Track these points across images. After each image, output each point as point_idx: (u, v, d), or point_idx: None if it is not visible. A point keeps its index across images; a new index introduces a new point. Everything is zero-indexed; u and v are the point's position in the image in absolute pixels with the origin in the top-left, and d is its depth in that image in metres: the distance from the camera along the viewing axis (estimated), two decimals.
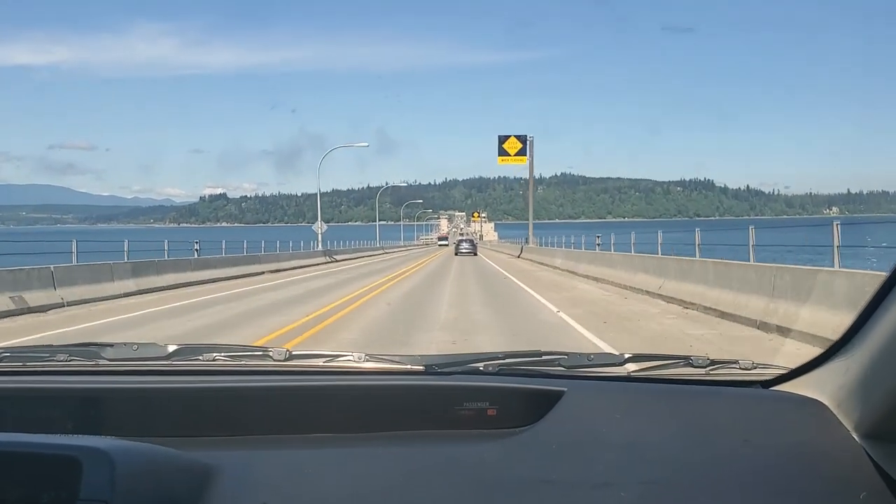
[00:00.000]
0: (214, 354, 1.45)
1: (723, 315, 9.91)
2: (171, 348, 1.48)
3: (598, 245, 21.69)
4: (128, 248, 17.47)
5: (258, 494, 1.01)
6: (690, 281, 12.00)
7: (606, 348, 7.23)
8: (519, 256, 40.70)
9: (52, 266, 13.54)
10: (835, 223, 8.67)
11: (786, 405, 1.24)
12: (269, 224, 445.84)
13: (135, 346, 1.50)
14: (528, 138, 41.61)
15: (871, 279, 6.47)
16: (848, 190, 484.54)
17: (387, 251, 63.28)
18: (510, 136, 41.40)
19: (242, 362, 1.46)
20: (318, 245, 38.75)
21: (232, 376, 1.40)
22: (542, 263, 30.19)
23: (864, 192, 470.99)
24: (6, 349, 1.50)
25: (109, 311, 12.23)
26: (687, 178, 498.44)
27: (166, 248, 19.92)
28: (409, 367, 1.40)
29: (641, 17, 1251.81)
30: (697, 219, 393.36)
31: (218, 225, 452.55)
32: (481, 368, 1.39)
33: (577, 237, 27.59)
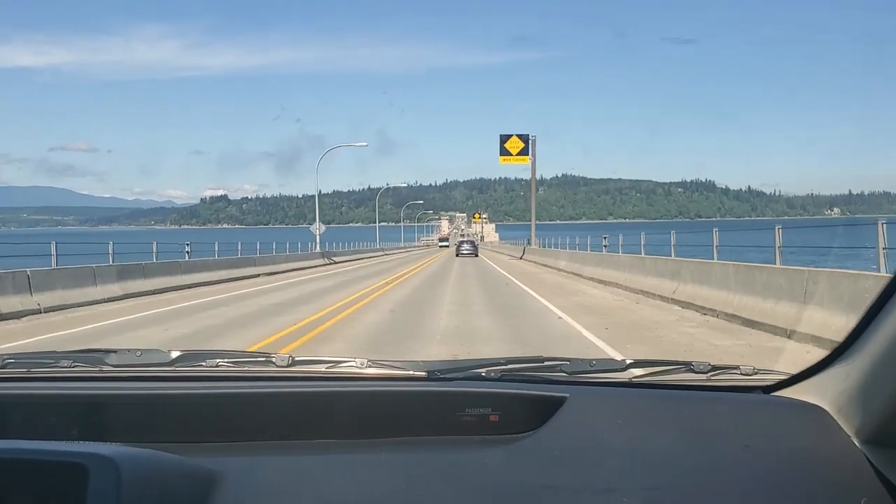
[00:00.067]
0: (218, 360, 1.45)
1: (748, 323, 9.11)
2: (175, 354, 1.47)
3: (605, 246, 20.86)
4: (113, 250, 16.61)
5: (261, 500, 1.02)
6: (709, 285, 11.19)
7: None
8: (521, 258, 39.96)
9: (28, 270, 12.75)
10: (880, 223, 7.85)
11: (787, 411, 1.24)
12: (271, 225, 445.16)
13: (138, 353, 1.50)
14: (530, 137, 40.73)
15: None
16: (849, 191, 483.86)
17: (387, 253, 62.73)
18: (512, 135, 40.57)
19: (245, 368, 1.46)
20: (316, 247, 38.01)
21: (235, 382, 1.39)
22: (545, 265, 29.46)
23: (866, 193, 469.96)
24: (10, 355, 1.48)
25: (88, 318, 11.46)
26: (688, 179, 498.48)
27: (155, 250, 19.06)
28: (411, 372, 1.39)
29: (641, 31, 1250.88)
30: (699, 220, 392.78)
31: (219, 226, 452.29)
32: (483, 374, 1.38)
33: (580, 238, 26.87)
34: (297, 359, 1.44)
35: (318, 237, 38.02)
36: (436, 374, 1.38)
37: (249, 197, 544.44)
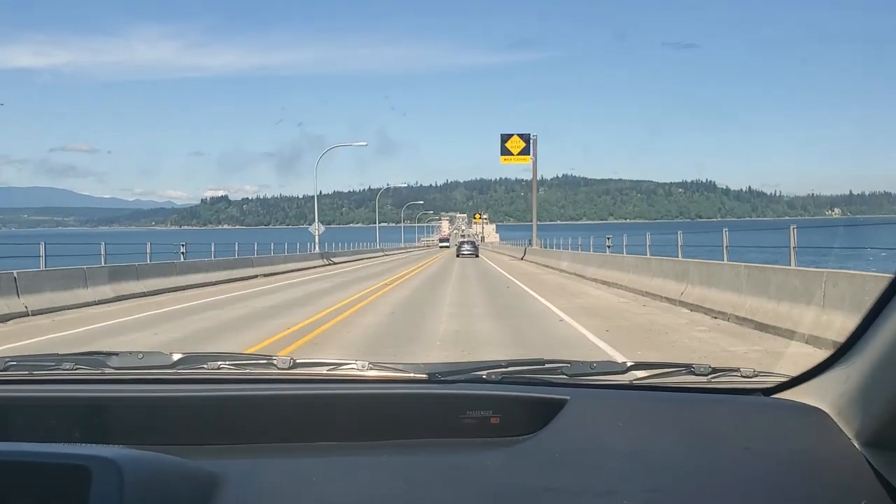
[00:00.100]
0: (219, 363, 1.45)
1: (761, 327, 8.72)
2: (176, 357, 1.46)
3: (609, 247, 20.45)
4: (105, 251, 16.17)
5: (263, 502, 1.03)
6: (718, 287, 10.80)
7: None
8: (522, 259, 39.57)
9: (14, 271, 12.37)
10: None
11: (787, 413, 1.24)
12: (271, 226, 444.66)
13: (140, 355, 1.50)
14: (531, 137, 40.30)
15: None
16: (850, 191, 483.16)
17: (387, 253, 62.40)
18: (513, 134, 40.15)
19: (247, 371, 1.45)
20: (315, 247, 37.64)
21: (236, 385, 1.39)
22: (546, 266, 29.09)
23: (867, 194, 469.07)
24: (12, 357, 1.48)
25: (77, 321, 11.08)
26: (688, 180, 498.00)
27: (149, 251, 18.66)
28: (412, 375, 1.39)
29: (641, 31, 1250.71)
30: (699, 220, 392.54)
31: (219, 227, 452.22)
32: (484, 377, 1.37)
33: (581, 239, 26.49)
34: (298, 361, 1.43)
35: (316, 238, 37.64)
36: (437, 376, 1.37)
37: (250, 197, 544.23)
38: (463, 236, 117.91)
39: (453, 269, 30.10)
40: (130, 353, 1.51)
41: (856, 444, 1.09)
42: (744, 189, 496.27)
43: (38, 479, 0.88)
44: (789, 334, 7.93)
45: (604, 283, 17.88)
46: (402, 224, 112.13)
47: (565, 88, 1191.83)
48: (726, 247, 11.75)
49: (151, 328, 10.02)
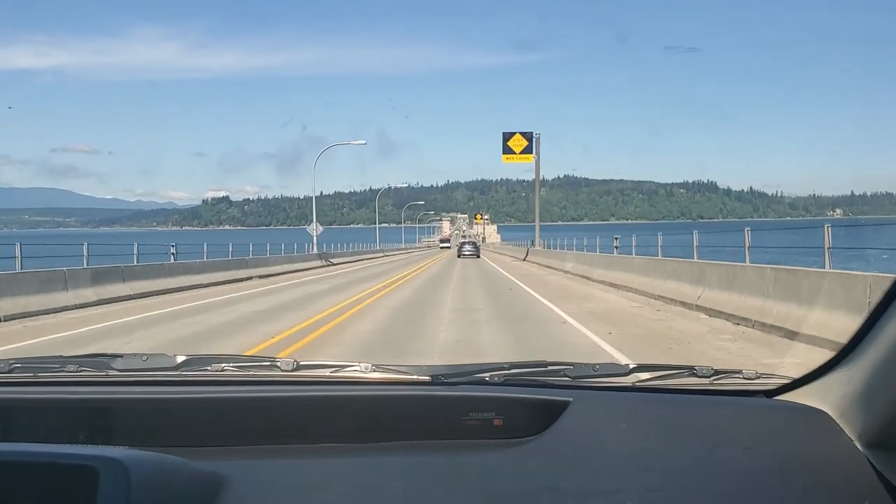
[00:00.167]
0: (223, 365, 1.44)
1: (792, 335, 7.92)
2: (180, 359, 1.47)
3: (617, 247, 19.62)
4: (88, 251, 15.37)
5: (267, 503, 1.03)
6: (740, 291, 9.98)
7: None
8: (525, 259, 38.74)
9: None
10: None
11: (789, 414, 1.24)
12: (272, 227, 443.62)
13: (144, 357, 1.50)
14: (534, 135, 39.38)
15: None
16: (852, 192, 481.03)
17: (387, 254, 61.67)
18: (515, 132, 39.24)
19: (250, 373, 1.45)
20: (313, 248, 36.83)
21: (240, 386, 1.39)
22: (550, 267, 28.28)
23: (868, 194, 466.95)
24: (16, 359, 1.48)
25: (48, 328, 10.29)
26: (690, 180, 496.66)
27: (136, 251, 17.85)
28: (415, 377, 1.39)
29: (642, 31, 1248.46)
30: (701, 221, 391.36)
31: (221, 228, 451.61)
32: (487, 379, 1.37)
33: (582, 239, 25.78)
34: (301, 363, 1.43)
35: (314, 238, 36.82)
36: (440, 378, 1.37)
37: (251, 198, 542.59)
38: (464, 237, 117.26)
39: (454, 270, 29.29)
40: (134, 355, 1.51)
41: (858, 446, 1.09)
42: (745, 190, 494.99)
43: (44, 480, 0.89)
44: (830, 345, 7.13)
45: (612, 285, 17.06)
46: (402, 225, 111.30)
47: (566, 89, 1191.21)
48: (748, 248, 10.90)
49: (127, 335, 9.23)
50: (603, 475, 1.07)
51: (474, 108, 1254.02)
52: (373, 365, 1.41)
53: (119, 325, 10.59)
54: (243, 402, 1.29)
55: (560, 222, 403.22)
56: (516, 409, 1.26)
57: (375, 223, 74.02)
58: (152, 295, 16.12)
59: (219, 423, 1.25)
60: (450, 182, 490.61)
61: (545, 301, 13.50)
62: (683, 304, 11.83)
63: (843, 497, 1.03)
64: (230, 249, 25.49)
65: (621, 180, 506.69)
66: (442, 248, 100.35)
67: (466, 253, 49.43)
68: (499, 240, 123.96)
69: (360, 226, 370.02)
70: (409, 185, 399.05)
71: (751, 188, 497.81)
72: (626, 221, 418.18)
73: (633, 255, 17.51)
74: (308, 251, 36.23)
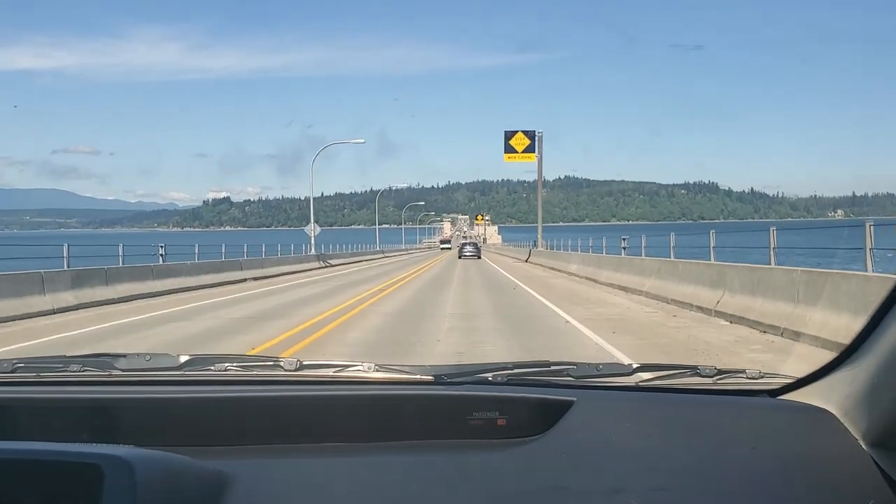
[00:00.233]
0: (226, 364, 1.45)
1: (830, 346, 7.10)
2: (183, 359, 1.47)
3: (624, 248, 18.80)
4: (68, 252, 14.59)
5: (271, 502, 1.03)
6: (765, 296, 9.17)
7: None
8: (527, 261, 37.93)
9: None
10: None
11: (793, 414, 1.23)
12: (273, 228, 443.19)
13: (147, 357, 1.50)
14: (536, 134, 38.64)
15: None
16: (853, 192, 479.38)
17: (387, 255, 60.92)
18: (517, 131, 38.47)
19: (254, 372, 1.45)
20: (311, 249, 36.05)
21: (243, 386, 1.39)
22: (553, 269, 27.48)
23: (870, 195, 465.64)
24: (20, 360, 1.48)
25: (12, 336, 9.45)
26: (691, 181, 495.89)
27: (121, 253, 17.03)
28: (418, 377, 1.39)
29: (643, 32, 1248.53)
30: (702, 221, 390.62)
31: (222, 229, 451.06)
32: (491, 378, 1.37)
33: (585, 240, 25.07)
34: (305, 363, 1.43)
35: (312, 239, 36.04)
36: (443, 378, 1.37)
37: (252, 199, 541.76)
38: (465, 238, 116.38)
39: (455, 271, 28.49)
40: (138, 354, 1.51)
41: (862, 445, 1.08)
42: (746, 190, 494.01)
43: (49, 478, 0.88)
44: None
45: (621, 288, 16.25)
46: (403, 226, 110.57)
47: (567, 89, 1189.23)
48: (773, 249, 10.08)
49: (96, 345, 8.42)
50: (607, 475, 1.07)
51: (475, 109, 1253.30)
52: (376, 365, 1.41)
53: (95, 331, 9.77)
54: (247, 401, 1.29)
55: (561, 223, 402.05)
56: (520, 409, 1.25)
57: (376, 224, 73.31)
58: (138, 298, 15.32)
59: (222, 423, 1.25)
60: (451, 183, 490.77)
61: (553, 306, 12.67)
62: (701, 309, 11.02)
63: (848, 496, 1.02)
64: (223, 251, 24.65)
65: (622, 181, 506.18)
66: (442, 248, 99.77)
67: (467, 254, 48.85)
68: (500, 241, 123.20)
69: (360, 227, 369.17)
70: (409, 186, 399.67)
71: (752, 189, 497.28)
72: (627, 222, 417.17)
73: (643, 257, 16.69)
74: (305, 252, 35.46)
